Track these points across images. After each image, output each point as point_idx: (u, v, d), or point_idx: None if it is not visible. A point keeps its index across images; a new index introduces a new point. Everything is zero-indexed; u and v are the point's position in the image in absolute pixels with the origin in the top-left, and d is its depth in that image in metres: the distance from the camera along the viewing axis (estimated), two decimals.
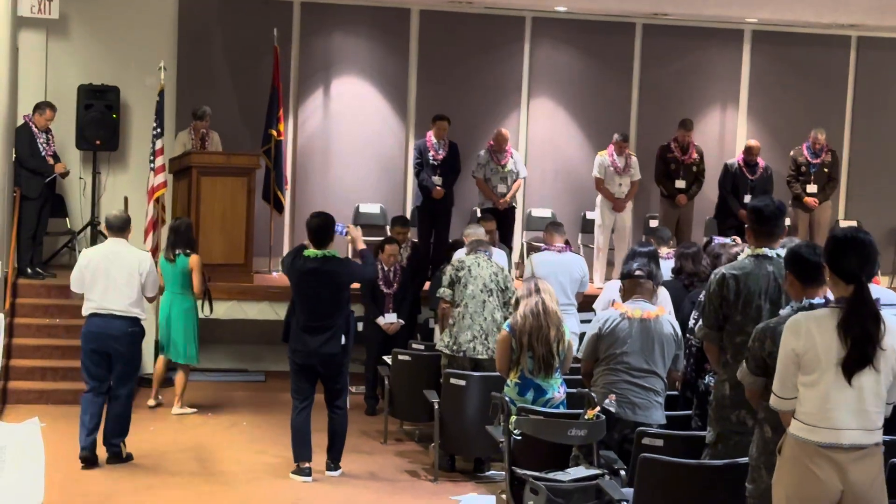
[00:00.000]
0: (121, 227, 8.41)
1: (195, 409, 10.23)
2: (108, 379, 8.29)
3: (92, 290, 8.29)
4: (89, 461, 8.17)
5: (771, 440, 4.78)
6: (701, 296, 6.87)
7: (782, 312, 5.03)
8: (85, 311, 8.31)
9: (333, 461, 8.26)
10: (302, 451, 8.11)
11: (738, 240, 8.02)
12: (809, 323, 4.47)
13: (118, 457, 8.34)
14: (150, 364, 10.97)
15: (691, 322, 6.87)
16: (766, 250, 5.65)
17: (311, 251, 8.02)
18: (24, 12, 12.13)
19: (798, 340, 4.46)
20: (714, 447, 5.62)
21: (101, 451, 8.32)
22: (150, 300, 8.87)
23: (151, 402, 10.29)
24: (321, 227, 8.08)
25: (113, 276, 8.25)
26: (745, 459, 5.09)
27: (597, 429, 6.28)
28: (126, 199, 11.21)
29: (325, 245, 8.02)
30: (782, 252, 5.65)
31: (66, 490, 7.66)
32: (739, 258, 5.88)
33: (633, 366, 6.59)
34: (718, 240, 8.58)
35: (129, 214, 8.75)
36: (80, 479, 7.93)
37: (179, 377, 10.23)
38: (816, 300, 4.78)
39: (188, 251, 10.08)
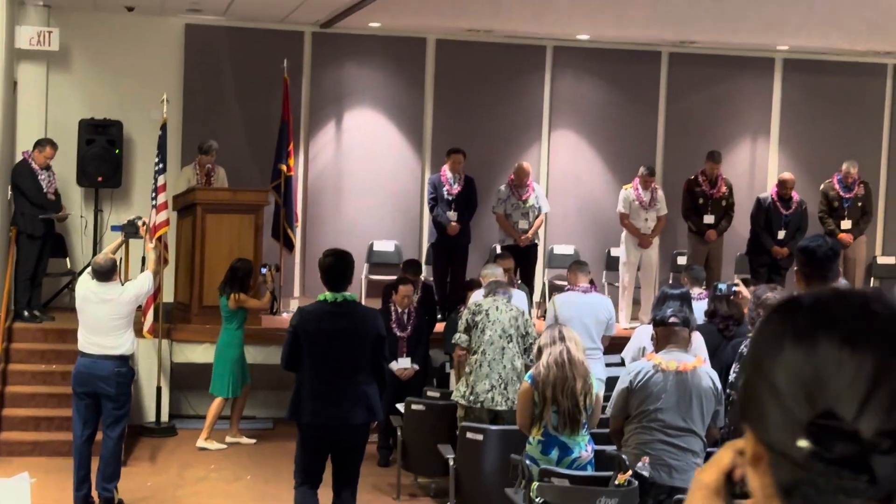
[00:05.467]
0: (107, 273, 8.11)
1: (223, 446, 10.13)
2: (96, 423, 8.12)
3: (81, 324, 8.15)
4: None
5: None
6: (744, 345, 6.27)
7: None
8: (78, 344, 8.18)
9: None
10: None
11: (777, 287, 7.34)
12: None
13: (110, 503, 8.09)
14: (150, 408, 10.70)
15: (732, 375, 6.24)
16: None
17: (327, 294, 6.85)
18: (22, 45, 11.71)
19: None
20: None
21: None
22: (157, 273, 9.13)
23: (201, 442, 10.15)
24: (336, 267, 6.85)
25: (97, 314, 8.05)
26: None
27: (629, 497, 5.65)
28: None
29: (342, 288, 6.85)
30: None
31: None
32: None
33: (668, 423, 5.96)
34: (724, 286, 8.01)
35: (115, 257, 8.48)
36: None
37: (210, 409, 10.15)
38: None
39: (229, 292, 10.01)
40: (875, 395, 1.18)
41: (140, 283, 8.30)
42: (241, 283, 10.09)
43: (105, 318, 8.04)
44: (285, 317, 11.58)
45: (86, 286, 8.16)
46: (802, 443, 1.19)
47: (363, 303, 12.03)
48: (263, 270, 10.53)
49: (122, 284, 8.33)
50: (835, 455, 1.17)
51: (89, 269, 8.35)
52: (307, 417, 6.75)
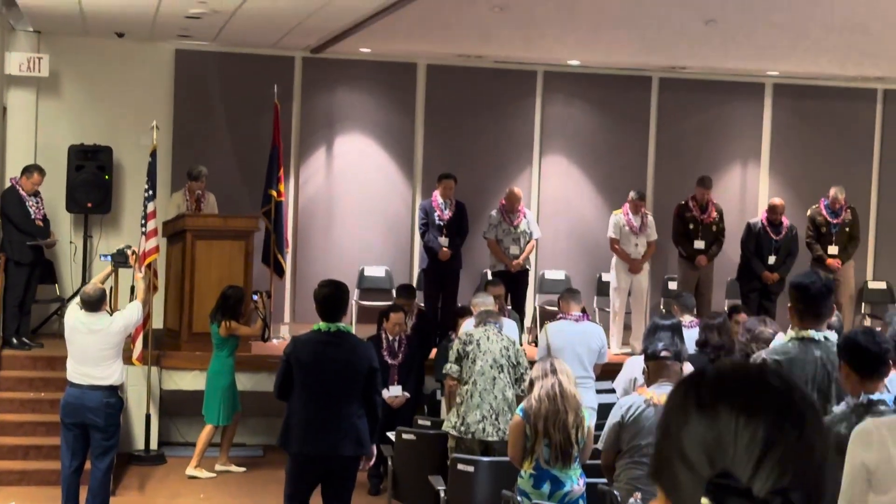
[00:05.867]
0: (96, 303, 8.07)
1: (212, 474, 10.07)
2: (85, 454, 8.07)
3: (69, 354, 8.10)
4: None
5: None
6: None
7: (836, 409, 4.38)
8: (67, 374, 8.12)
9: None
10: None
11: (767, 320, 7.28)
12: (882, 431, 3.77)
13: None
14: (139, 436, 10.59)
15: None
16: (812, 332, 5.01)
17: (321, 324, 6.85)
18: (12, 70, 11.70)
19: (869, 452, 3.76)
20: None
21: None
22: (146, 302, 9.11)
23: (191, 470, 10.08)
24: (332, 298, 6.85)
25: (86, 345, 8.00)
26: None
27: None
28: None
29: (336, 319, 6.84)
30: (830, 334, 5.04)
31: None
32: (778, 340, 5.24)
33: None
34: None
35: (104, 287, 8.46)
36: None
37: (200, 437, 10.03)
38: (876, 395, 4.14)
39: (220, 319, 9.91)
40: (767, 457, 1.34)
41: (129, 314, 8.25)
42: (233, 310, 10.02)
43: (94, 349, 7.98)
44: (276, 343, 11.54)
45: (74, 316, 8.11)
46: (705, 501, 1.31)
47: (354, 328, 12.07)
48: (255, 297, 10.50)
49: (111, 314, 8.28)
50: None
51: (78, 299, 8.30)
52: (297, 446, 6.75)
